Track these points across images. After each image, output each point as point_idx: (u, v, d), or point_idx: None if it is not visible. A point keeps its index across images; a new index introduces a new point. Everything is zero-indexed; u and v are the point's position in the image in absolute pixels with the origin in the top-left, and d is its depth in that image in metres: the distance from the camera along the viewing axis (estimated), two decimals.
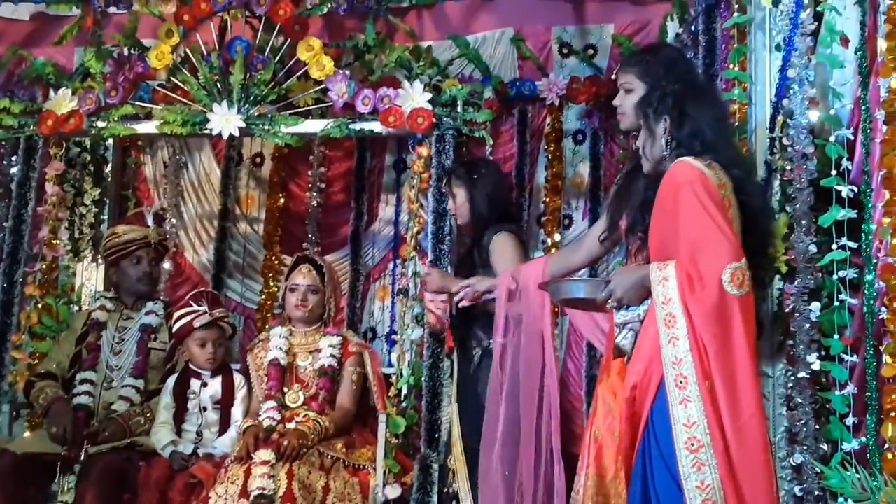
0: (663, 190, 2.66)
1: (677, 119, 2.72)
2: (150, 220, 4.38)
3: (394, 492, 3.77)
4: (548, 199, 4.97)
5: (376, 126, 4.20)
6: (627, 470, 2.64)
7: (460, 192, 3.89)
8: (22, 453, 3.84)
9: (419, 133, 4.18)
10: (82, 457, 3.84)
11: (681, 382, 2.48)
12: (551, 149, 5.00)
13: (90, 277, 5.09)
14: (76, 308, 4.79)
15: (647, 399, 2.55)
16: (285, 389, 4.00)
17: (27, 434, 4.32)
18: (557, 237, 4.90)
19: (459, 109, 4.23)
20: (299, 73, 4.27)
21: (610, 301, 2.69)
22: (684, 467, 2.44)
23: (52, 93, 4.43)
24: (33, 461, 3.84)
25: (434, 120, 4.14)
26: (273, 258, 5.29)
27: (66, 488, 3.83)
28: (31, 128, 4.37)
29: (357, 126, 4.22)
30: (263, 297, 5.27)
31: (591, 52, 4.96)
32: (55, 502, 3.83)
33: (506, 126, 5.06)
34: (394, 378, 4.12)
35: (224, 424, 3.99)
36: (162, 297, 4.62)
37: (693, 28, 4.02)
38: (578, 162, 5.04)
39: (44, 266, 4.42)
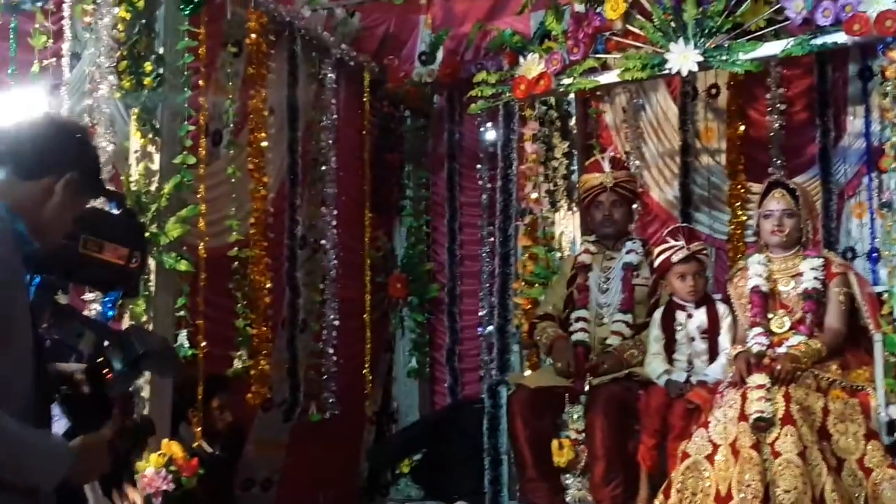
0: None
1: None
2: (606, 166, 4.49)
3: None
4: None
5: (840, 37, 4.00)
6: None
7: None
8: (535, 387, 4.23)
9: (888, 37, 3.92)
10: (586, 388, 4.14)
11: None
12: None
13: (567, 225, 5.45)
14: (558, 255, 5.19)
15: None
16: (770, 315, 3.98)
17: (528, 372, 4.73)
18: None
19: None
20: None
21: None
22: None
23: (520, 59, 4.73)
24: (545, 394, 4.19)
25: None
26: (739, 187, 5.27)
27: (575, 417, 4.19)
28: (506, 94, 4.70)
29: (819, 41, 4.05)
30: (732, 227, 5.29)
31: None
32: (568, 430, 4.19)
33: None
34: (885, 296, 3.97)
35: (712, 353, 4.07)
36: (637, 236, 4.82)
37: None
38: None
39: (530, 219, 4.86)
